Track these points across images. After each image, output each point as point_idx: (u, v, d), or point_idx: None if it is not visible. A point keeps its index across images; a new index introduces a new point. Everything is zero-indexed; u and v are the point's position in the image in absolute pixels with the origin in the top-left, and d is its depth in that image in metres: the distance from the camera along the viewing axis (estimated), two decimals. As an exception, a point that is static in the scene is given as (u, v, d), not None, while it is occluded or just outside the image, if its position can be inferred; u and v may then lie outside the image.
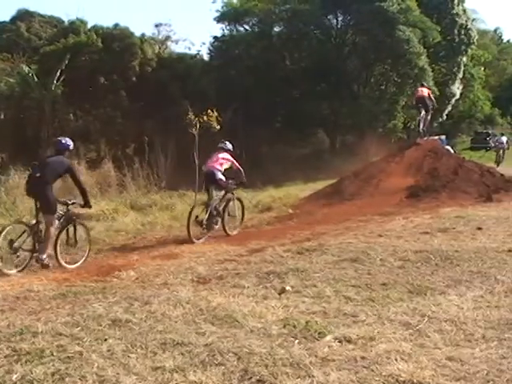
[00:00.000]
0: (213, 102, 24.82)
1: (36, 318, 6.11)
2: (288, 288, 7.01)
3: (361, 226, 12.27)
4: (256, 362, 4.71)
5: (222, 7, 38.20)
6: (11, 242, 9.44)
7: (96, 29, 33.90)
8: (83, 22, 35.09)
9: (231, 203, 13.06)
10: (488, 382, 4.36)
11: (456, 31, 38.21)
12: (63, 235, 10.05)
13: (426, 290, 6.77)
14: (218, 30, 45.89)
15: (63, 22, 41.13)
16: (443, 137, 32.44)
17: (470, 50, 40.57)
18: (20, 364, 4.78)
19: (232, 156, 13.17)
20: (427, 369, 4.53)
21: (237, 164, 13.06)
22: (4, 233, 9.42)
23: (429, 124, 21.37)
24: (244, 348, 5.00)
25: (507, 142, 36.35)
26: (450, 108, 40.14)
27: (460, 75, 39.99)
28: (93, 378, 4.51)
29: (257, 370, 4.57)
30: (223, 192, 12.74)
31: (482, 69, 48.08)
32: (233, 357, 4.84)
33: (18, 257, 9.60)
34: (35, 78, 29.96)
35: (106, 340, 5.32)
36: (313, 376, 4.45)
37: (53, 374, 4.57)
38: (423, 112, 21.19)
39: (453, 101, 40.20)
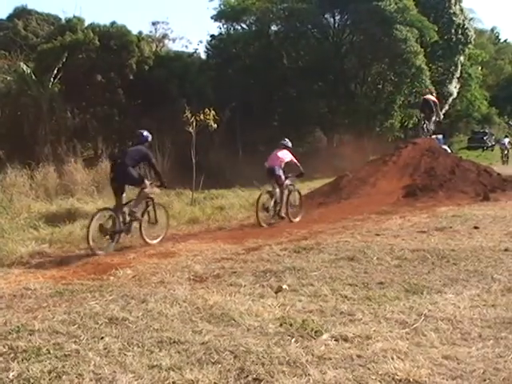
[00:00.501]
0: (210, 101, 24.83)
1: (33, 315, 6.11)
2: (285, 287, 7.02)
3: (358, 225, 12.29)
4: (252, 361, 4.71)
5: (220, 5, 38.20)
6: (101, 226, 10.50)
7: (93, 27, 33.79)
8: (80, 20, 34.99)
9: (291, 194, 14.36)
10: (484, 380, 4.37)
11: (453, 30, 38.22)
12: (146, 214, 11.40)
13: (422, 289, 6.78)
14: (216, 28, 45.81)
15: (60, 19, 41.08)
16: (440, 136, 32.37)
17: (467, 50, 40.57)
18: (17, 362, 4.79)
19: (290, 152, 14.64)
20: (423, 367, 4.54)
21: (295, 159, 14.55)
22: (95, 218, 10.47)
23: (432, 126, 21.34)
24: (240, 346, 5.01)
25: (509, 142, 36.57)
26: (447, 107, 40.12)
27: (457, 74, 40.02)
28: (89, 376, 4.52)
29: (253, 368, 4.58)
30: (286, 192, 14.08)
31: (479, 68, 48.11)
32: (229, 355, 4.85)
33: (107, 239, 10.71)
34: (32, 75, 29.87)
35: (102, 338, 5.33)
36: (309, 374, 4.46)
37: (49, 372, 4.58)
38: (426, 116, 21.41)
39: (450, 100, 40.21)
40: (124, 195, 11.14)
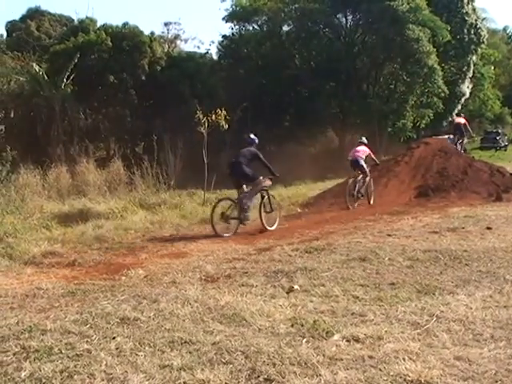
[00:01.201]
0: (222, 101, 24.83)
1: (45, 315, 6.14)
2: (296, 287, 7.01)
3: (369, 226, 12.27)
4: (264, 361, 4.71)
5: (231, 6, 38.20)
6: (222, 213, 12.43)
7: (105, 27, 33.90)
8: (93, 21, 35.16)
9: (369, 182, 16.94)
10: (496, 382, 4.34)
11: (466, 30, 38.06)
12: (263, 205, 13.13)
13: (434, 290, 6.76)
14: (227, 28, 45.77)
15: (73, 20, 41.28)
16: (452, 136, 32.33)
17: (479, 49, 40.38)
18: (29, 361, 4.81)
19: (367, 147, 17.32)
20: (435, 368, 4.52)
21: (372, 154, 17.41)
22: (218, 206, 12.57)
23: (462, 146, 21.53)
24: (252, 347, 5.00)
25: None
26: (459, 107, 39.99)
27: (470, 74, 39.86)
28: (101, 376, 4.53)
29: (264, 368, 4.57)
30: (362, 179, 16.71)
31: (492, 68, 47.87)
32: (240, 355, 4.85)
33: (228, 224, 12.46)
34: (45, 76, 29.99)
35: (114, 338, 5.34)
36: (320, 375, 4.45)
37: (61, 372, 4.59)
38: (458, 138, 21.96)
39: (462, 100, 40.08)
40: (244, 187, 12.99)
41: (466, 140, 25.04)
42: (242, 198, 12.82)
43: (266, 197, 13.32)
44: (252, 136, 13.82)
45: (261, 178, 13.16)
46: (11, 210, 14.50)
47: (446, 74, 37.00)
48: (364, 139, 17.74)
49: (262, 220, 12.90)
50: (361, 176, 16.55)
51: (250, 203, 12.99)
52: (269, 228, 12.83)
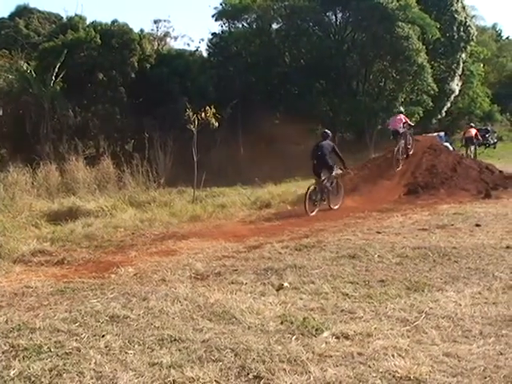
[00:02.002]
0: (212, 99, 24.80)
1: (34, 314, 6.13)
2: (286, 284, 7.03)
3: (359, 223, 12.30)
4: (253, 358, 4.72)
5: (221, 4, 38.11)
6: (310, 197, 14.71)
7: (94, 25, 33.72)
8: (82, 18, 34.94)
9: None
10: (485, 378, 4.37)
11: (455, 28, 38.09)
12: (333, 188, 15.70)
13: (423, 287, 6.79)
14: (217, 26, 45.66)
15: (62, 18, 41.04)
16: (442, 133, 32.46)
17: (469, 47, 40.41)
18: (18, 360, 4.80)
19: (404, 115, 19.93)
20: (424, 365, 4.55)
21: (408, 121, 19.90)
22: (308, 192, 14.71)
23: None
24: (241, 344, 5.01)
25: None
26: (449, 105, 40.07)
27: (459, 72, 39.91)
28: (90, 374, 4.53)
29: (254, 366, 4.58)
30: (403, 139, 19.27)
31: (482, 65, 47.95)
32: (230, 353, 4.86)
33: (314, 205, 14.84)
34: (34, 74, 29.86)
35: (103, 336, 5.34)
36: (310, 372, 4.47)
37: (50, 370, 4.59)
38: (471, 148, 22.45)
39: (452, 97, 40.12)
40: (323, 176, 15.21)
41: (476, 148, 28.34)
42: (324, 183, 15.28)
43: (335, 182, 15.77)
44: (327, 131, 16.48)
45: (335, 167, 15.65)
46: (0, 209, 14.44)
47: (436, 71, 37.06)
48: (401, 109, 21.86)
49: (329, 200, 15.36)
50: (402, 140, 19.20)
51: (330, 187, 15.51)
52: (334, 207, 15.42)
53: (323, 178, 15.28)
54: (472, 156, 23.96)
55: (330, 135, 16.39)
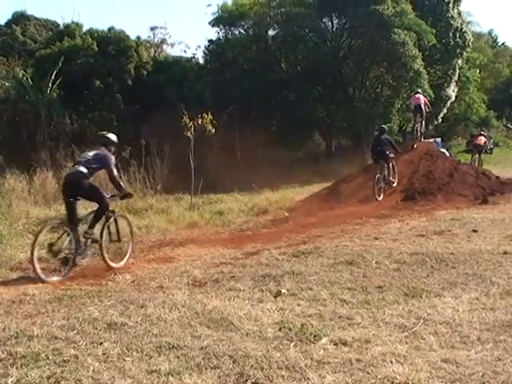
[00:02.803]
0: (209, 105, 24.80)
1: (31, 321, 6.11)
2: (283, 291, 7.02)
3: (356, 229, 12.31)
4: (251, 365, 4.71)
5: (217, 11, 38.17)
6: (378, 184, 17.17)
7: (91, 32, 33.71)
8: (78, 26, 34.90)
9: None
10: (483, 383, 4.36)
11: (451, 34, 38.18)
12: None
13: (421, 293, 6.79)
14: (214, 33, 45.69)
15: (58, 25, 40.98)
16: (439, 139, 32.50)
17: (465, 53, 40.51)
18: (15, 367, 4.79)
19: (423, 96, 22.12)
20: (422, 371, 4.54)
21: (427, 102, 22.22)
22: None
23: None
24: (239, 351, 5.00)
25: None
26: (445, 111, 40.13)
27: (455, 78, 39.99)
28: (88, 382, 4.52)
29: (252, 372, 4.57)
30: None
31: (478, 71, 48.12)
32: (228, 360, 4.85)
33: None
34: (31, 81, 29.84)
35: (101, 343, 5.33)
36: (308, 379, 4.46)
37: (48, 378, 4.58)
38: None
39: (448, 103, 40.19)
40: (385, 166, 17.61)
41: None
42: (384, 173, 17.48)
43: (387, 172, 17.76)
44: (384, 126, 19.21)
45: (391, 155, 17.76)
46: (-3, 216, 14.41)
47: (432, 77, 37.14)
48: (419, 91, 23.38)
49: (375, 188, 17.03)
50: (420, 118, 21.28)
51: (390, 177, 17.75)
52: (379, 199, 17.04)
53: (384, 167, 17.54)
54: (477, 163, 24.25)
55: (386, 129, 18.85)
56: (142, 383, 4.48)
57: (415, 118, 22.19)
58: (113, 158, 10.34)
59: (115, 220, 10.35)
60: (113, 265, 9.63)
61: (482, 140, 29.67)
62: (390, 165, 17.94)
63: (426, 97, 24.58)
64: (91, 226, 9.73)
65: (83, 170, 9.81)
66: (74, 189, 9.75)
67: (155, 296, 6.99)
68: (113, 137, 10.84)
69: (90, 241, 9.62)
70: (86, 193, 9.86)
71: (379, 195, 17.17)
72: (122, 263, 9.84)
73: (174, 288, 7.43)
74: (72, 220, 9.55)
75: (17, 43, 38.21)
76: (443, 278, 7.47)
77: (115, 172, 10.40)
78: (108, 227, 10.08)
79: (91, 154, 10.18)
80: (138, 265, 9.50)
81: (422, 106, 21.31)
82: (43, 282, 8.47)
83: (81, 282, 8.19)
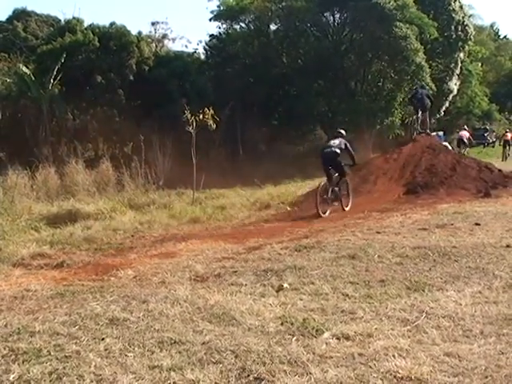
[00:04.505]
0: (210, 100, 24.78)
1: (33, 317, 6.11)
2: (286, 285, 7.01)
3: (359, 223, 12.28)
4: (253, 360, 4.70)
5: (218, 6, 38.08)
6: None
7: (92, 27, 33.65)
8: (79, 21, 34.83)
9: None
10: (486, 377, 4.35)
11: (453, 27, 38.05)
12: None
13: (423, 286, 6.77)
14: (215, 27, 45.61)
15: (60, 21, 40.94)
16: (441, 133, 32.54)
17: (467, 46, 40.38)
18: (17, 363, 4.78)
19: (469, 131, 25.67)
20: (425, 365, 4.53)
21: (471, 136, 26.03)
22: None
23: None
24: (241, 346, 5.00)
25: None
26: (447, 104, 40.04)
27: (457, 71, 39.89)
28: (90, 378, 4.51)
29: (254, 367, 4.57)
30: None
31: (480, 65, 48.06)
32: (230, 355, 4.84)
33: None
34: (32, 77, 29.82)
35: (103, 339, 5.33)
36: (310, 373, 4.45)
37: (50, 374, 4.57)
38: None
39: (450, 97, 40.09)
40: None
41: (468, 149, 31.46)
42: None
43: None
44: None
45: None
46: (-1, 212, 14.44)
47: (434, 71, 37.00)
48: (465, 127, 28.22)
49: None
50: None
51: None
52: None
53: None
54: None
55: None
56: (144, 379, 4.47)
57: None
58: (348, 143, 15.74)
59: (346, 182, 15.71)
60: (346, 208, 15.27)
61: (508, 136, 31.42)
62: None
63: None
64: (337, 185, 15.28)
65: (337, 151, 15.23)
66: (330, 162, 15.24)
67: (157, 291, 6.99)
68: (343, 132, 16.33)
69: (337, 193, 15.19)
70: (337, 166, 15.26)
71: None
72: (347, 208, 15.29)
73: (176, 283, 7.42)
74: (330, 180, 15.18)
75: (18, 39, 38.19)
76: (446, 272, 7.45)
77: (352, 151, 15.92)
78: (346, 185, 15.66)
79: (337, 141, 15.52)
80: (140, 260, 9.49)
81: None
82: (319, 216, 14.18)
83: (83, 278, 8.18)
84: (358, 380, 4.34)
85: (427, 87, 19.87)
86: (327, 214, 14.66)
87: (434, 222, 11.54)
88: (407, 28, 32.84)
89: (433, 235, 10.12)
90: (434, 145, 20.55)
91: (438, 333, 5.25)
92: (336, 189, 15.24)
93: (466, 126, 35.23)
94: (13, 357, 4.95)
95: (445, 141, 28.01)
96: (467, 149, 30.43)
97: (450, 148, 24.06)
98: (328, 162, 15.30)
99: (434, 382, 4.31)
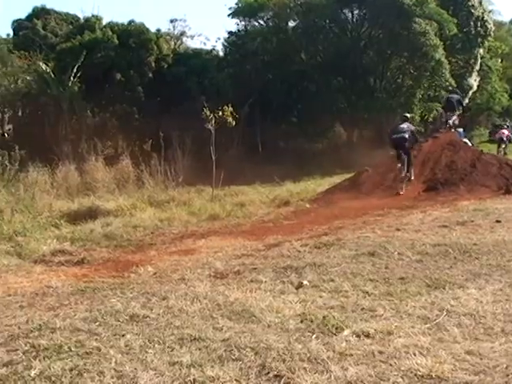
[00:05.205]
0: (229, 97, 24.83)
1: (54, 313, 6.14)
2: (305, 283, 6.99)
3: (378, 220, 12.23)
4: (273, 357, 4.69)
5: (237, 3, 38.06)
6: None
7: (111, 25, 33.89)
8: (98, 19, 35.07)
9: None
10: (507, 375, 4.32)
11: (472, 23, 37.79)
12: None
13: (444, 284, 6.73)
14: (233, 24, 45.61)
15: (79, 18, 41.16)
16: (461, 130, 32.20)
17: (486, 42, 40.07)
18: (38, 360, 4.81)
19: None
20: (446, 363, 4.50)
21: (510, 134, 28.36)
22: None
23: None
24: (261, 343, 4.99)
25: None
26: (467, 100, 39.73)
27: (477, 67, 39.61)
28: (111, 374, 4.52)
29: (274, 365, 4.56)
30: None
31: (499, 61, 47.59)
32: (250, 352, 4.83)
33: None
34: (52, 75, 30.04)
35: (123, 335, 5.34)
36: (330, 371, 4.43)
37: (71, 370, 4.59)
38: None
39: (470, 93, 39.81)
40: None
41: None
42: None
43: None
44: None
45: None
46: (20, 209, 14.54)
47: (453, 67, 36.79)
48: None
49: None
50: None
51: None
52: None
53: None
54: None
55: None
56: (165, 375, 4.48)
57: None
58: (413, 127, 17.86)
59: (411, 160, 17.56)
60: (412, 178, 17.65)
61: (505, 133, 31.26)
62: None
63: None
64: (405, 166, 17.13)
65: (406, 136, 17.17)
66: (400, 146, 17.20)
67: (177, 288, 7.00)
68: (409, 115, 18.91)
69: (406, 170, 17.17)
70: (405, 150, 17.22)
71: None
72: (412, 178, 17.65)
73: (195, 280, 7.44)
74: (401, 161, 17.08)
75: (38, 37, 38.40)
76: (466, 269, 7.40)
77: (416, 136, 18.07)
78: (411, 163, 17.52)
79: (405, 126, 17.53)
80: (160, 257, 9.52)
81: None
82: (398, 194, 16.61)
83: (103, 275, 8.22)
84: (379, 378, 4.32)
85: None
86: (403, 191, 16.95)
87: (455, 219, 11.46)
88: (426, 24, 32.70)
89: (453, 232, 10.05)
90: (454, 141, 20.41)
91: (458, 331, 5.22)
92: (405, 167, 17.23)
93: (507, 124, 35.41)
94: (34, 353, 4.98)
95: (465, 137, 27.78)
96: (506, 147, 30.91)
97: (469, 144, 23.89)
98: (399, 147, 17.35)
99: (455, 381, 4.27)
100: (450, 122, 21.70)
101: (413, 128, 18.03)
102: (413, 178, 17.70)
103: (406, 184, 17.26)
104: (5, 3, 71.90)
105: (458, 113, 22.02)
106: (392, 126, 21.08)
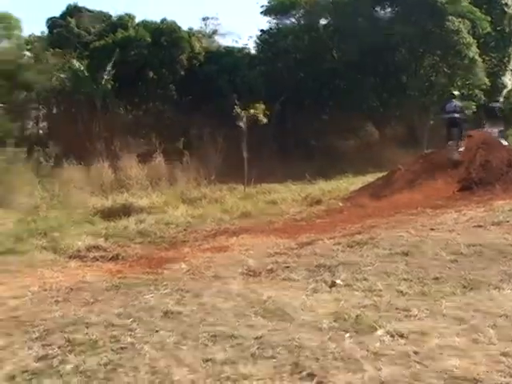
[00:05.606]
0: (261, 95, 24.84)
1: (89, 309, 6.21)
2: (338, 281, 6.98)
3: (412, 219, 12.12)
4: (306, 356, 4.70)
5: (269, 1, 38.01)
6: None
7: (144, 23, 34.06)
8: (131, 17, 35.26)
9: None
10: (544, 378, 4.27)
11: (506, 21, 37.36)
12: None
13: (479, 285, 6.66)
14: (265, 22, 45.56)
15: (111, 17, 41.43)
16: (496, 130, 31.89)
17: (520, 41, 39.64)
18: (74, 354, 4.87)
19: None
20: (481, 364, 4.47)
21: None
22: None
23: None
24: (294, 341, 4.99)
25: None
26: (501, 99, 39.29)
27: (511, 66, 39.13)
28: (145, 369, 4.56)
29: (307, 363, 4.56)
30: None
31: (534, 59, 46.96)
32: (283, 350, 4.84)
33: None
34: (85, 72, 30.28)
35: (157, 331, 5.39)
36: (364, 370, 4.43)
37: (106, 365, 4.65)
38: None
39: (504, 92, 39.30)
40: None
41: None
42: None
43: None
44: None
45: None
46: (55, 205, 14.73)
47: (487, 65, 36.39)
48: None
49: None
50: None
51: None
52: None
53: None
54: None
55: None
56: (198, 372, 4.50)
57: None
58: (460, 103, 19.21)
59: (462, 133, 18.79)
60: (461, 149, 18.53)
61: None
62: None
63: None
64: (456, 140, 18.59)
65: (456, 115, 18.65)
66: (452, 124, 18.76)
67: (210, 285, 7.03)
68: (456, 92, 21.03)
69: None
70: (457, 128, 18.72)
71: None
72: (461, 149, 18.58)
73: (228, 277, 7.46)
74: (452, 137, 18.74)
75: (72, 35, 38.74)
76: (502, 270, 7.31)
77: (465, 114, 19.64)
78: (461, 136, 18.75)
79: (454, 104, 18.89)
80: (193, 254, 9.56)
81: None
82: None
83: (137, 271, 8.29)
84: (413, 378, 4.30)
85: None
86: (457, 157, 18.35)
87: (490, 220, 11.30)
88: (459, 22, 32.35)
89: (488, 233, 9.93)
90: (488, 140, 20.16)
91: (494, 332, 5.16)
92: (455, 142, 18.79)
93: None
94: (69, 347, 5.04)
95: (501, 137, 27.45)
96: None
97: (505, 143, 23.59)
98: (450, 124, 19.07)
99: (490, 382, 4.24)
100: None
101: (461, 105, 19.56)
102: (461, 149, 18.67)
103: (458, 153, 18.46)
104: (40, 2, 72.76)
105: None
106: (442, 104, 21.96)
